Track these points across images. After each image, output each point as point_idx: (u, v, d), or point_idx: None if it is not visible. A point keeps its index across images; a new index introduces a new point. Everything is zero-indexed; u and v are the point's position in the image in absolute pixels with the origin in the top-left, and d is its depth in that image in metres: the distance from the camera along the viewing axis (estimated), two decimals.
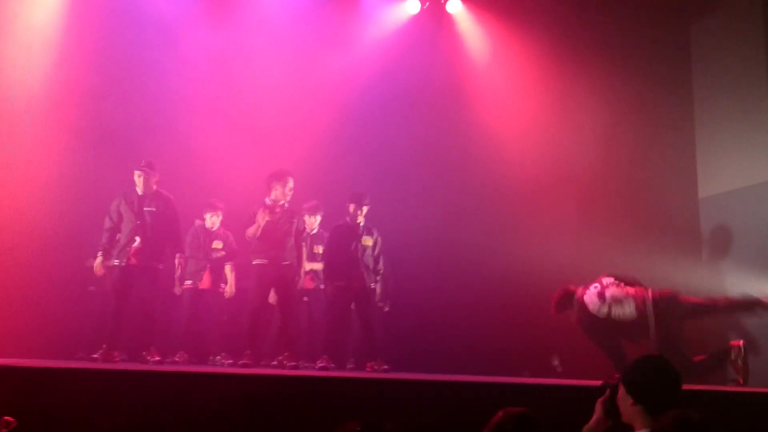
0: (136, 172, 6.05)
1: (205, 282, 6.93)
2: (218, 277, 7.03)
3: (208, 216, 6.97)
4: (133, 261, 5.96)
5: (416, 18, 8.48)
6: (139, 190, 6.07)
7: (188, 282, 6.83)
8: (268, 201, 6.17)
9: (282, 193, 6.14)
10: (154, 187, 6.13)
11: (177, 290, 6.80)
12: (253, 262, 6.16)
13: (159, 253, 6.13)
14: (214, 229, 7.00)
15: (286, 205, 6.21)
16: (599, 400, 2.69)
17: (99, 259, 5.99)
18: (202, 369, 5.03)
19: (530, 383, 5.03)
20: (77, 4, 7.18)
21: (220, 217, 7.01)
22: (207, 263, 6.91)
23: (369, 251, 6.44)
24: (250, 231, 6.09)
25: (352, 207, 6.38)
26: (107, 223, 6.05)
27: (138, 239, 5.97)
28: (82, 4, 7.21)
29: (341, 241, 6.40)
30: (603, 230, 8.02)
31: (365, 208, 6.41)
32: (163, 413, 3.56)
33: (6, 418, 2.06)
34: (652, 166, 8.58)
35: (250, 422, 3.66)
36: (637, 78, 8.47)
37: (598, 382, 2.78)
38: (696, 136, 8.82)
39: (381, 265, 6.58)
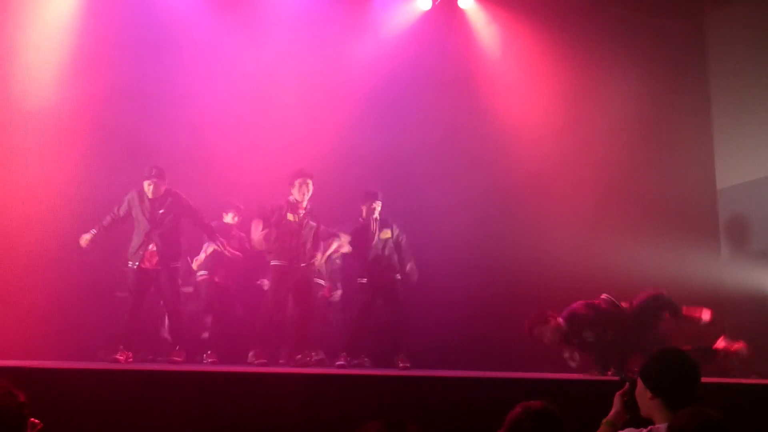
0: (146, 182, 6.02)
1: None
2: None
3: (230, 216, 6.88)
4: (148, 264, 5.95)
5: (428, 14, 8.46)
6: (149, 195, 6.04)
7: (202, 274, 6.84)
8: (291, 199, 6.17)
9: (301, 193, 6.12)
10: (163, 189, 6.09)
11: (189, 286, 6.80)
12: (271, 263, 6.16)
13: (176, 252, 6.13)
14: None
15: (306, 204, 6.19)
16: (618, 393, 2.67)
17: (88, 235, 5.98)
18: (218, 369, 5.06)
19: (550, 378, 5.02)
20: (93, 6, 7.22)
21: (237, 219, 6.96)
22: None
23: (390, 243, 6.42)
24: (257, 241, 6.09)
25: (363, 207, 6.39)
26: (116, 210, 6.07)
27: (153, 245, 5.95)
28: (98, 7, 7.25)
29: (358, 241, 6.41)
30: (620, 223, 7.98)
31: (377, 205, 6.39)
32: (183, 413, 3.59)
33: (32, 420, 2.09)
34: (669, 158, 8.51)
35: (267, 421, 3.67)
36: (652, 69, 8.40)
37: (616, 377, 2.77)
38: (713, 126, 8.74)
39: (408, 254, 6.53)
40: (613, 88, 8.29)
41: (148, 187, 6.02)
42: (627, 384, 2.65)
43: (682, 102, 8.62)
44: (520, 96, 8.51)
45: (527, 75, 8.57)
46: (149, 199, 6.04)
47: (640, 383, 2.57)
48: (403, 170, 7.85)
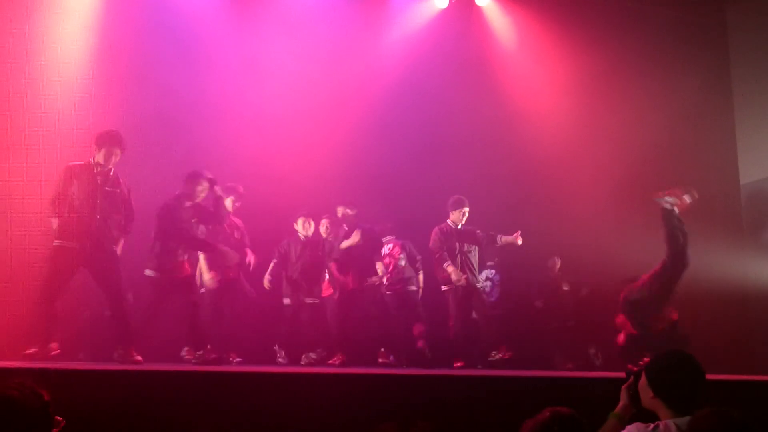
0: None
1: None
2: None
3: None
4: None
5: (445, 12, 8.47)
6: None
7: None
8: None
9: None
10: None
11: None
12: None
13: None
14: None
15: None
16: (623, 386, 2.68)
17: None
18: (241, 369, 5.10)
19: (569, 377, 5.00)
20: (119, 13, 7.31)
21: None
22: None
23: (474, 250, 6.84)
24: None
25: (454, 213, 6.78)
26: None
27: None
28: (123, 13, 7.34)
29: (444, 243, 6.71)
30: (643, 217, 7.90)
31: (466, 211, 6.78)
32: (201, 413, 3.62)
33: (55, 417, 2.16)
34: (692, 152, 8.41)
35: (283, 421, 3.68)
36: (673, 64, 8.32)
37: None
38: (736, 120, 8.63)
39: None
40: (635, 83, 8.22)
41: None
42: (632, 377, 2.64)
43: (705, 96, 8.51)
44: (539, 91, 8.49)
45: (546, 70, 8.55)
46: None
47: (643, 378, 2.56)
48: (424, 162, 7.89)
